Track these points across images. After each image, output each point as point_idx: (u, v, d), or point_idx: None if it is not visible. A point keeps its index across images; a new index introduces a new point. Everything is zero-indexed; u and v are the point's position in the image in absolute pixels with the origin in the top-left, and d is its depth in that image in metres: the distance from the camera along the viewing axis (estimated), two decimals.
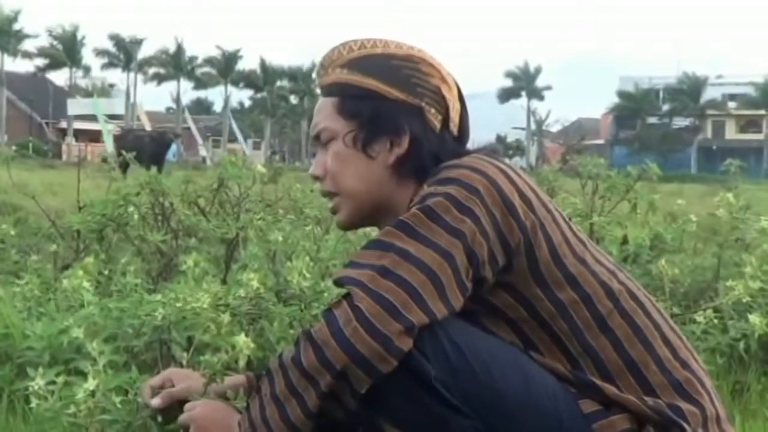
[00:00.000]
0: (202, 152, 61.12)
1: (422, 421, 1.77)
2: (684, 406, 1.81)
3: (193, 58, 76.37)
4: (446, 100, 1.99)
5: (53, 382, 2.29)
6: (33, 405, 2.28)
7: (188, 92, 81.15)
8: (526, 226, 1.80)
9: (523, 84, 79.22)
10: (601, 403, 1.81)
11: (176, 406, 2.07)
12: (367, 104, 1.97)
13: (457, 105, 2.03)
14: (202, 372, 2.11)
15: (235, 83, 77.99)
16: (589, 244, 1.92)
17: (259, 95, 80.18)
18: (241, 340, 2.17)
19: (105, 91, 70.52)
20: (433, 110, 1.97)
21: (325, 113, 2.02)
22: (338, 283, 1.80)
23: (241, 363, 2.25)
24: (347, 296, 1.75)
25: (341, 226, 2.12)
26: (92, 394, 2.21)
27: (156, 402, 2.10)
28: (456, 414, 1.75)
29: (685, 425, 1.78)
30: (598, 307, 1.83)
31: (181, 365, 2.39)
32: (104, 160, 4.96)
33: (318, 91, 2.12)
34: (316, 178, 2.06)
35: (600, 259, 1.91)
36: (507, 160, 2.11)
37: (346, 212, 2.04)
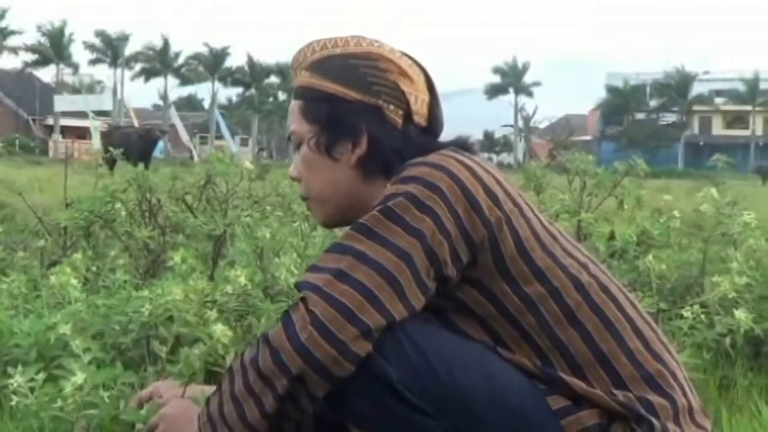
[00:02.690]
0: (190, 149, 60.95)
1: (389, 424, 1.76)
2: (654, 399, 1.80)
3: (179, 54, 76.25)
4: (405, 94, 1.97)
5: (34, 379, 2.30)
6: (13, 402, 2.30)
7: (175, 89, 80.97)
8: (491, 222, 1.79)
9: (511, 80, 79.28)
10: (570, 399, 1.80)
11: None
12: (325, 107, 1.97)
13: (424, 96, 2.01)
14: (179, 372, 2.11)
15: (223, 80, 77.88)
16: (560, 237, 1.90)
17: (247, 92, 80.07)
18: (218, 329, 2.17)
19: (92, 87, 70.23)
20: (392, 107, 1.96)
21: (293, 117, 2.04)
22: (297, 287, 1.79)
23: (228, 359, 2.26)
24: (305, 300, 1.74)
25: (321, 225, 2.17)
26: (80, 388, 2.22)
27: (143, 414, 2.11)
28: (422, 416, 1.74)
29: (654, 420, 1.77)
30: (567, 301, 1.82)
31: (160, 359, 2.40)
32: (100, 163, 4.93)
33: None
34: (294, 179, 2.09)
35: (572, 252, 1.89)
36: (494, 156, 2.12)
37: (320, 215, 2.08)
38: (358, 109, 1.95)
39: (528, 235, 1.82)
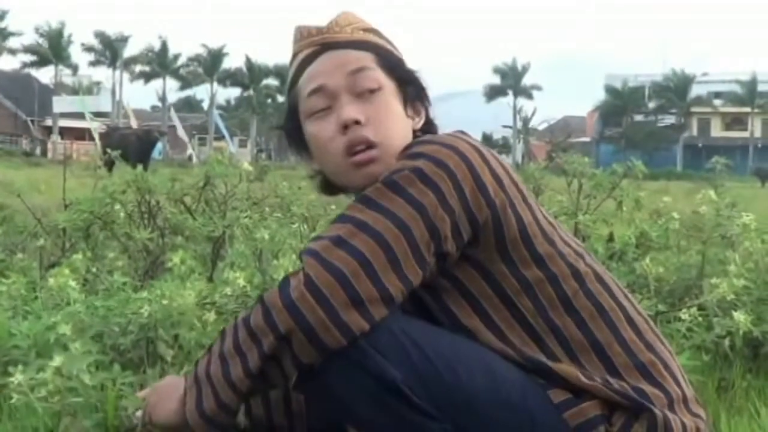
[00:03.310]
0: (188, 150, 60.97)
1: (391, 426, 1.76)
2: (648, 389, 1.81)
3: (178, 56, 76.27)
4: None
5: (34, 379, 2.31)
6: (13, 400, 2.31)
7: (174, 90, 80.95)
8: (495, 203, 1.80)
9: (511, 82, 79.28)
10: (571, 391, 1.80)
11: None
12: (403, 70, 2.03)
13: None
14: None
15: (221, 81, 77.89)
16: (558, 227, 1.92)
17: (245, 93, 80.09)
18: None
19: (90, 89, 70.22)
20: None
21: (365, 60, 1.98)
22: (300, 257, 1.80)
23: None
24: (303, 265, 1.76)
25: (370, 179, 1.89)
26: (59, 372, 2.23)
27: (139, 414, 2.11)
28: (425, 417, 1.74)
29: (655, 409, 1.78)
30: (564, 287, 1.84)
31: (166, 362, 2.40)
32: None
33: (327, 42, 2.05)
34: (356, 122, 1.94)
35: (569, 242, 1.91)
36: None
37: (382, 165, 1.91)
38: (421, 82, 2.06)
39: (530, 221, 1.85)
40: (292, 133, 2.07)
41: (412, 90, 2.02)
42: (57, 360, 2.25)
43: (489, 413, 1.76)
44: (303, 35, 2.05)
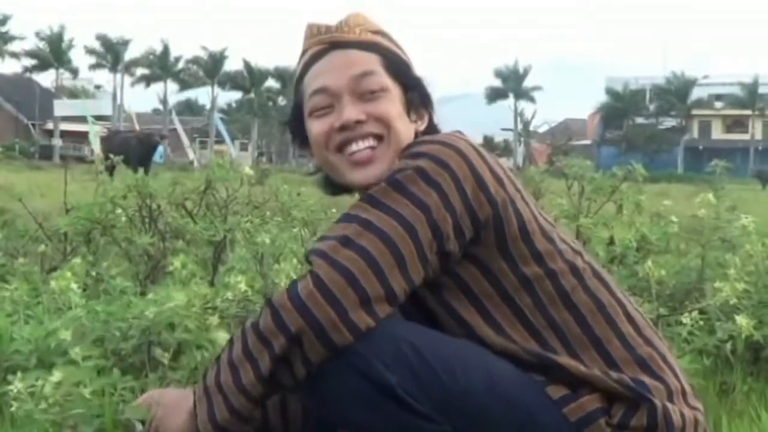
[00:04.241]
0: (190, 154, 60.96)
1: (389, 430, 1.76)
2: (648, 380, 1.83)
3: (179, 59, 76.29)
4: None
5: (34, 386, 2.31)
6: (13, 408, 2.31)
7: (175, 94, 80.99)
8: (497, 202, 1.82)
9: (512, 85, 79.25)
10: (569, 386, 1.81)
11: None
12: (409, 75, 2.03)
13: None
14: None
15: (222, 84, 77.90)
16: (555, 225, 1.95)
17: (246, 96, 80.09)
18: (220, 336, 2.18)
19: (91, 92, 70.25)
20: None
21: (371, 63, 2.00)
22: (306, 257, 1.81)
23: None
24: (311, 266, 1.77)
25: (373, 179, 1.92)
26: (58, 385, 2.23)
27: (140, 428, 2.11)
28: (423, 419, 1.75)
29: (655, 400, 1.80)
30: (563, 283, 1.85)
31: (162, 365, 2.40)
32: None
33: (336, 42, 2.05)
34: (357, 122, 1.95)
35: (566, 239, 1.94)
36: None
37: (383, 164, 1.94)
38: (427, 89, 2.06)
39: (530, 219, 1.87)
40: (296, 129, 2.08)
41: (416, 95, 2.03)
42: (57, 375, 2.25)
43: (488, 414, 1.77)
44: (313, 33, 2.06)
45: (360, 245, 1.74)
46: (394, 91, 1.99)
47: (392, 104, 1.98)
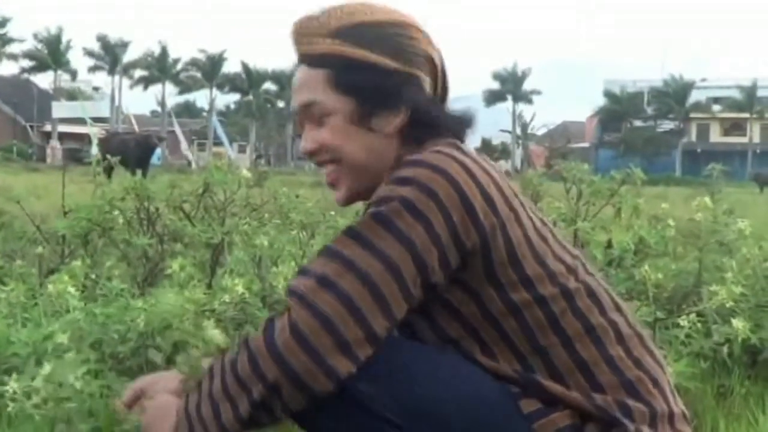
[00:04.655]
0: (188, 156, 60.94)
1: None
2: (632, 403, 1.79)
3: (177, 61, 76.34)
4: (435, 64, 1.94)
5: (30, 386, 2.31)
6: (10, 408, 2.31)
7: (173, 96, 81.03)
8: (485, 227, 1.75)
9: (510, 87, 79.29)
10: (543, 402, 1.78)
11: None
12: (363, 78, 1.88)
13: (442, 66, 1.98)
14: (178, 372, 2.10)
15: (221, 87, 77.96)
16: (551, 240, 1.87)
17: (244, 99, 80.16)
18: (215, 334, 2.17)
19: (89, 94, 70.25)
20: (427, 77, 1.92)
21: (314, 87, 1.91)
22: (287, 293, 1.76)
23: None
24: (289, 308, 1.71)
25: (341, 201, 1.99)
26: (49, 379, 2.24)
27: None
28: (390, 427, 1.72)
29: (628, 423, 1.76)
30: (552, 308, 1.80)
31: (158, 367, 2.39)
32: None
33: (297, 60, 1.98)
34: (310, 154, 1.94)
35: (562, 256, 1.86)
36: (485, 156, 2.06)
37: (346, 184, 1.94)
38: (399, 80, 1.88)
39: (521, 242, 1.79)
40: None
41: (376, 99, 1.89)
42: (47, 368, 2.26)
43: (453, 423, 1.73)
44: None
45: (339, 288, 1.68)
46: (344, 108, 1.89)
47: (335, 130, 1.90)
